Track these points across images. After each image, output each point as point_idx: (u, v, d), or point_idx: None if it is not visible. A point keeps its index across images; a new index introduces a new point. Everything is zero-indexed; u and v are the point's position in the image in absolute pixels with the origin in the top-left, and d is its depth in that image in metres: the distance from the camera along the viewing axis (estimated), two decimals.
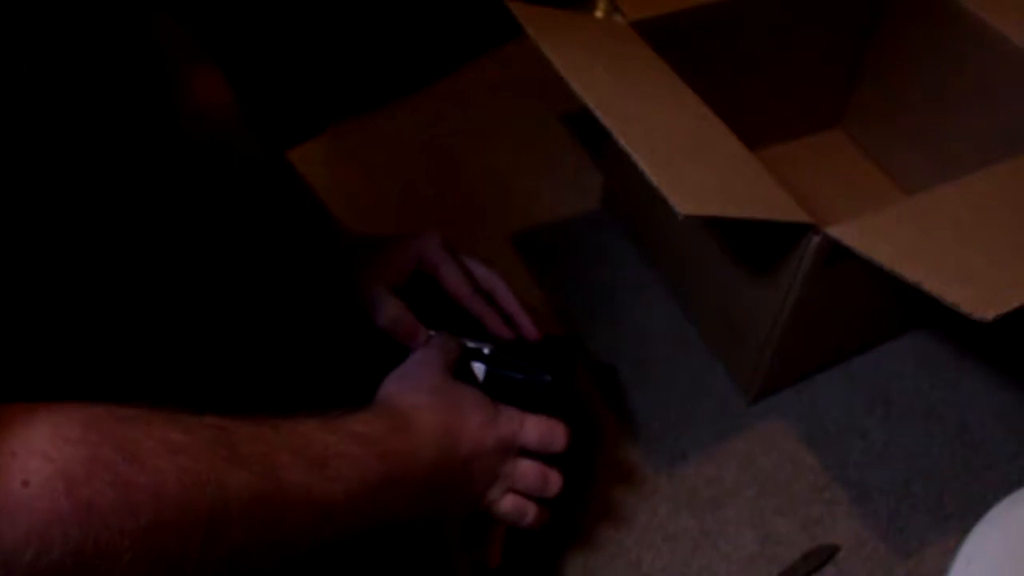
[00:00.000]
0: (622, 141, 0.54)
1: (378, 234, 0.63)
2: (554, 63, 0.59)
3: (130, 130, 0.43)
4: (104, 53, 0.42)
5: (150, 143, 0.45)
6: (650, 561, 0.63)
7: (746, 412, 0.72)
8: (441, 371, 0.53)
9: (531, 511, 0.54)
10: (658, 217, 0.76)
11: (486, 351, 0.58)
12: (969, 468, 0.69)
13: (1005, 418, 0.72)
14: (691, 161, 0.57)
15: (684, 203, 0.51)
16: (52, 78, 0.38)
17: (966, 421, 0.72)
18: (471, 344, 0.58)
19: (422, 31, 0.97)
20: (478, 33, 1.00)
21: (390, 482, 0.45)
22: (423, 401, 0.50)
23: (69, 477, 0.32)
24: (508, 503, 0.53)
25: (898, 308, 0.74)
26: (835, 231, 0.55)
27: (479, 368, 0.58)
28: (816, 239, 0.57)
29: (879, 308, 0.72)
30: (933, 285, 0.48)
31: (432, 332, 0.58)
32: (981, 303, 0.47)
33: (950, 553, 0.48)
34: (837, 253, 0.55)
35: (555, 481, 0.54)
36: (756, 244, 0.64)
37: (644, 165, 0.53)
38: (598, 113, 0.56)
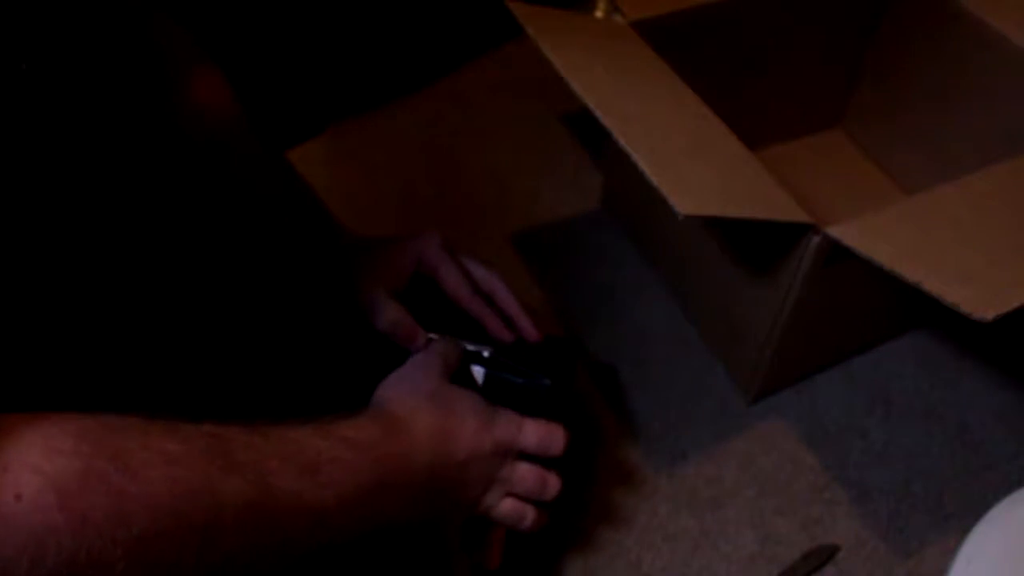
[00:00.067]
0: (622, 141, 0.54)
1: (377, 235, 0.63)
2: (554, 63, 0.59)
3: (130, 130, 0.43)
4: (104, 53, 0.42)
5: (150, 143, 0.45)
6: (650, 561, 0.63)
7: (746, 412, 0.72)
8: (438, 375, 0.52)
9: (530, 514, 0.54)
10: (658, 217, 0.76)
11: (486, 354, 0.58)
12: (969, 468, 0.69)
13: (1005, 418, 0.72)
14: (691, 161, 0.57)
15: (684, 203, 0.51)
16: (52, 78, 0.38)
17: (966, 421, 0.72)
18: (471, 347, 0.58)
19: (422, 31, 0.97)
20: (478, 33, 1.00)
21: (383, 486, 0.45)
22: (418, 405, 0.50)
23: (62, 489, 0.32)
24: (507, 506, 0.53)
25: (898, 308, 0.74)
26: (835, 231, 0.55)
27: (479, 371, 0.58)
28: (816, 239, 0.57)
29: (879, 308, 0.72)
30: (933, 285, 0.48)
31: (432, 335, 0.58)
32: (981, 303, 0.47)
33: (950, 553, 0.48)
34: (837, 253, 0.55)
35: (554, 484, 0.54)
36: (756, 244, 0.64)
37: (644, 165, 0.53)
38: (598, 113, 0.56)
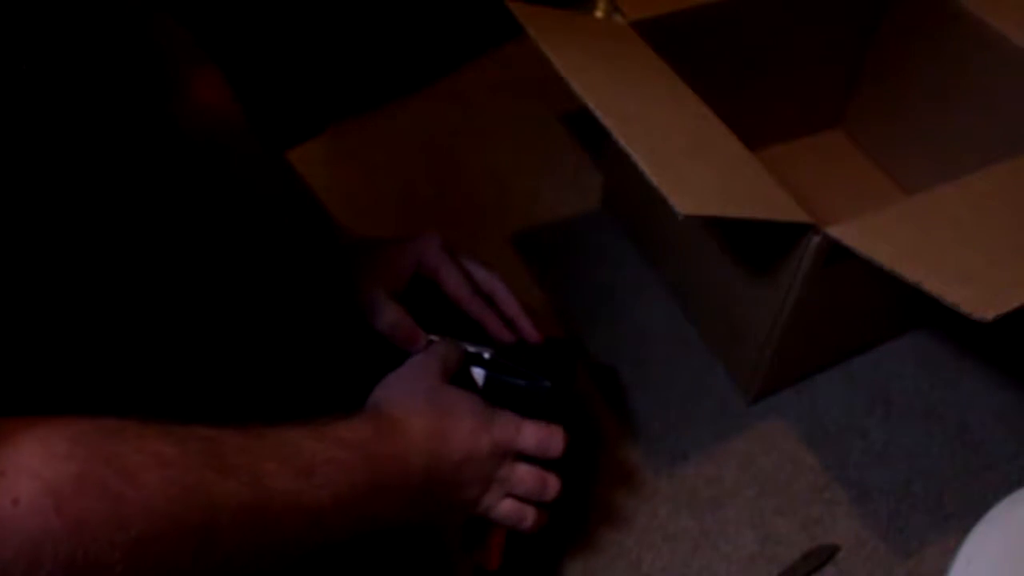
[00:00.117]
0: (622, 141, 0.54)
1: (377, 236, 0.63)
2: (554, 63, 0.59)
3: (130, 130, 0.43)
4: (104, 53, 0.42)
5: (150, 143, 0.45)
6: (650, 561, 0.63)
7: (746, 412, 0.72)
8: (436, 376, 0.52)
9: (530, 515, 0.54)
10: (658, 217, 0.76)
11: (486, 356, 0.58)
12: (969, 468, 0.69)
13: (1005, 418, 0.72)
14: (691, 161, 0.57)
15: (684, 203, 0.51)
16: (52, 78, 0.38)
17: (966, 421, 0.72)
18: (471, 349, 0.58)
19: (422, 31, 0.97)
20: (478, 33, 1.00)
21: (379, 487, 0.45)
22: (414, 406, 0.50)
23: (58, 494, 0.32)
24: (506, 507, 0.53)
25: (898, 308, 0.74)
26: (835, 231, 0.55)
27: (479, 373, 0.58)
28: (816, 239, 0.57)
29: (879, 308, 0.72)
30: (933, 285, 0.48)
31: (432, 337, 0.58)
32: (981, 303, 0.47)
33: (950, 553, 0.48)
34: (837, 253, 0.55)
35: (553, 485, 0.54)
36: (756, 244, 0.64)
37: (644, 165, 0.53)
38: (598, 113, 0.56)
